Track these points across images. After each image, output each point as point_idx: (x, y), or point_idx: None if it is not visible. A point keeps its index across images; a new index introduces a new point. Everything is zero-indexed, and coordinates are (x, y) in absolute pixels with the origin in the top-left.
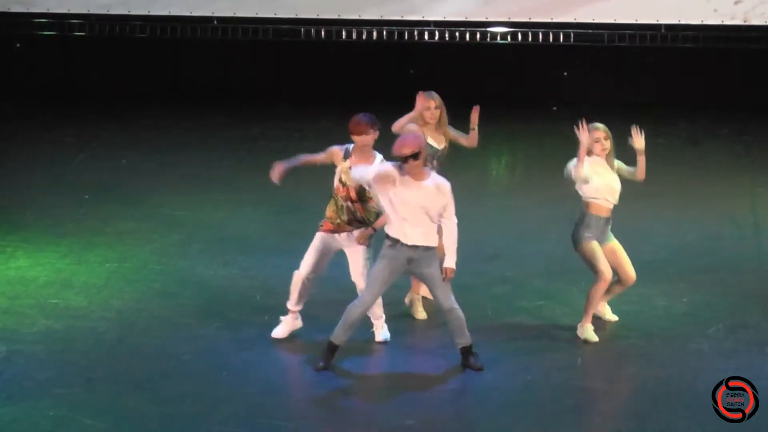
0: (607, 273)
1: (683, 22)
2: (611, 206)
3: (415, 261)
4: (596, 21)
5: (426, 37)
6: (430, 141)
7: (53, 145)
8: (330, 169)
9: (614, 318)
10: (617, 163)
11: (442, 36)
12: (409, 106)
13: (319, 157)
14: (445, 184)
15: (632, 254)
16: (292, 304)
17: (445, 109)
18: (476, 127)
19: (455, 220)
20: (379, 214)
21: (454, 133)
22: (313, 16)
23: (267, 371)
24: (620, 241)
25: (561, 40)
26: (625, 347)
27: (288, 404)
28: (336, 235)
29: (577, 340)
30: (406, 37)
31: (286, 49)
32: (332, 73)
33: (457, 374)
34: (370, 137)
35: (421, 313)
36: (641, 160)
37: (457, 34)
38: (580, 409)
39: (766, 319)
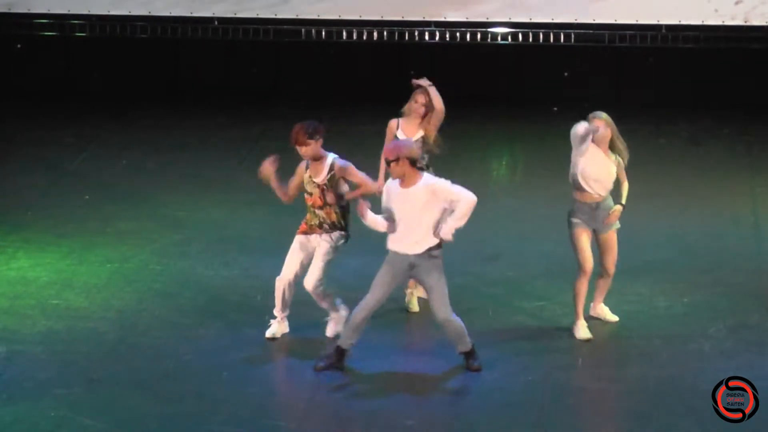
0: (584, 264)
1: (684, 22)
2: (600, 194)
3: (416, 267)
4: (597, 21)
5: (426, 37)
6: (400, 132)
7: (54, 145)
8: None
9: (614, 318)
10: (615, 157)
11: (442, 36)
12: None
13: (295, 182)
14: (437, 183)
15: (633, 254)
16: (278, 310)
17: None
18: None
19: (468, 196)
20: (345, 215)
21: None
22: (314, 16)
23: (267, 372)
24: (620, 241)
25: (562, 40)
26: (625, 347)
27: (288, 405)
28: (309, 236)
29: (576, 340)
30: (406, 37)
31: (287, 49)
32: (332, 74)
33: (457, 375)
34: (311, 147)
35: (414, 306)
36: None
37: (457, 34)
38: (580, 410)
39: (767, 319)
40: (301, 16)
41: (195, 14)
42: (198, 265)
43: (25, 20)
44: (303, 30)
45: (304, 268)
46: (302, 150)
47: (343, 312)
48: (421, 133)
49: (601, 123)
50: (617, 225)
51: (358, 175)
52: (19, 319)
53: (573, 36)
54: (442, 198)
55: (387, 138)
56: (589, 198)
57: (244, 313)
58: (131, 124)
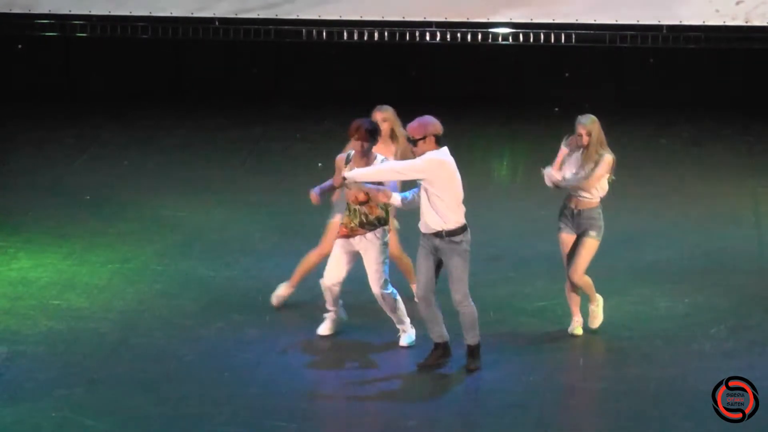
0: (565, 269)
1: (685, 22)
2: (583, 199)
3: (440, 250)
4: (598, 22)
5: (427, 38)
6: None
7: (55, 146)
8: (329, 169)
9: (578, 333)
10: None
11: (443, 37)
12: (411, 106)
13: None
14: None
15: (634, 255)
16: (329, 305)
17: (399, 125)
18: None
19: (393, 164)
20: (386, 207)
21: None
22: (314, 17)
23: (269, 372)
24: (621, 242)
25: (562, 41)
26: (626, 348)
27: (290, 405)
28: (351, 239)
29: (578, 340)
30: (407, 38)
31: (288, 50)
32: (334, 74)
33: (460, 375)
34: (369, 144)
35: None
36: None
37: (458, 35)
38: (581, 410)
39: None
40: (301, 17)
41: (196, 15)
42: (199, 265)
43: (26, 20)
44: (304, 30)
45: (345, 272)
46: (358, 146)
47: (408, 324)
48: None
49: (583, 130)
50: (596, 235)
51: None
52: (20, 319)
53: (574, 36)
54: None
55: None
56: (574, 202)
57: (246, 313)
58: (132, 125)
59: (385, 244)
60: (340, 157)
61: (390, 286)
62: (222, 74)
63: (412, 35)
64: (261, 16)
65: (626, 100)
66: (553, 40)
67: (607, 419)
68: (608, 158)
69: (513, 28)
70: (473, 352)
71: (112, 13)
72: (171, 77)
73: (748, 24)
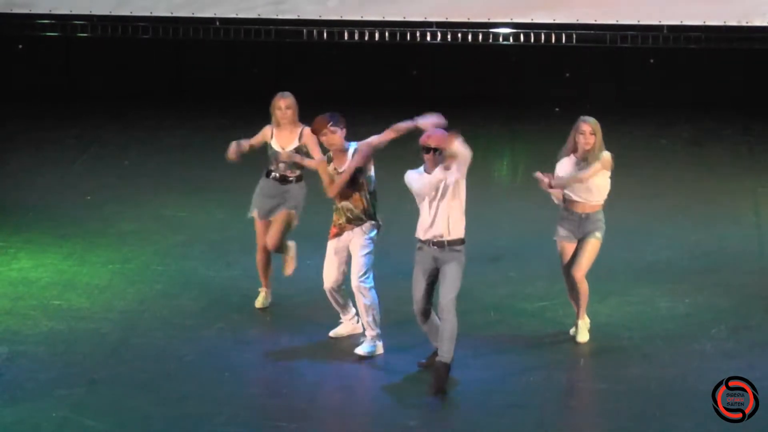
0: (563, 274)
1: (685, 23)
2: (586, 204)
3: (439, 260)
4: (598, 22)
5: (428, 38)
6: (274, 143)
7: (55, 146)
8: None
9: (584, 339)
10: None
11: (444, 37)
12: (412, 106)
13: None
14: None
15: (635, 255)
16: (341, 314)
17: (297, 110)
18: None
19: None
20: (374, 203)
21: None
22: (315, 17)
23: (269, 372)
24: (621, 242)
25: (563, 41)
26: (627, 348)
27: (290, 405)
28: (341, 237)
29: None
30: (408, 38)
31: (289, 50)
32: (334, 74)
33: (460, 375)
34: (336, 136)
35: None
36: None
37: (459, 35)
38: (582, 410)
39: None
40: (302, 17)
41: (196, 15)
42: (200, 266)
43: (27, 21)
44: (304, 30)
45: (344, 271)
46: (326, 139)
47: (353, 319)
48: (296, 144)
49: (587, 128)
50: (599, 236)
51: (373, 138)
52: (20, 319)
53: (574, 36)
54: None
55: (257, 139)
56: (578, 207)
57: (246, 314)
58: (132, 125)
59: (371, 239)
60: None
61: (370, 282)
62: (222, 74)
63: (413, 35)
64: (261, 16)
65: (626, 100)
66: (553, 40)
67: (607, 419)
68: (607, 154)
69: (513, 28)
70: (442, 371)
71: (113, 13)
72: (171, 77)
73: (749, 24)
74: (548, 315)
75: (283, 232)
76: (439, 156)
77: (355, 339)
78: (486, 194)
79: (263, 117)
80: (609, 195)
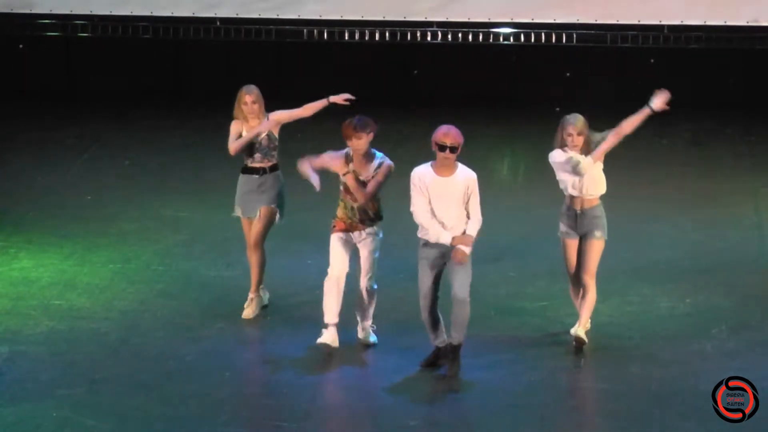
0: (568, 274)
1: (686, 22)
2: (586, 198)
3: (448, 254)
4: (599, 22)
5: (429, 38)
6: (245, 131)
7: (56, 145)
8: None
9: (582, 338)
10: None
11: (444, 37)
12: (412, 106)
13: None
14: (473, 176)
15: (635, 255)
16: (329, 317)
17: (263, 103)
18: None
19: (479, 218)
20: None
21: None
22: (316, 17)
23: (270, 372)
24: (621, 242)
25: (564, 41)
26: (628, 348)
27: (291, 405)
28: (351, 233)
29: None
30: (408, 38)
31: (289, 50)
32: (335, 74)
33: (460, 375)
34: (363, 141)
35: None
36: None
37: (459, 35)
38: (583, 410)
39: None
40: (303, 17)
41: (197, 15)
42: (200, 265)
43: (28, 20)
44: (305, 30)
45: (347, 265)
46: (354, 144)
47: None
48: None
49: (574, 130)
50: (602, 235)
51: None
52: (21, 319)
53: (575, 36)
54: (468, 190)
55: (231, 136)
56: (577, 203)
57: None
58: (133, 125)
59: (381, 241)
60: (336, 155)
61: (375, 283)
62: (223, 74)
63: (413, 35)
64: (262, 16)
65: (627, 100)
66: (553, 40)
67: (607, 419)
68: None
69: (514, 28)
70: (457, 352)
71: (113, 13)
72: (172, 77)
73: (749, 24)
74: (549, 314)
75: (265, 229)
76: (455, 153)
77: (346, 341)
78: (486, 194)
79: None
80: (608, 195)
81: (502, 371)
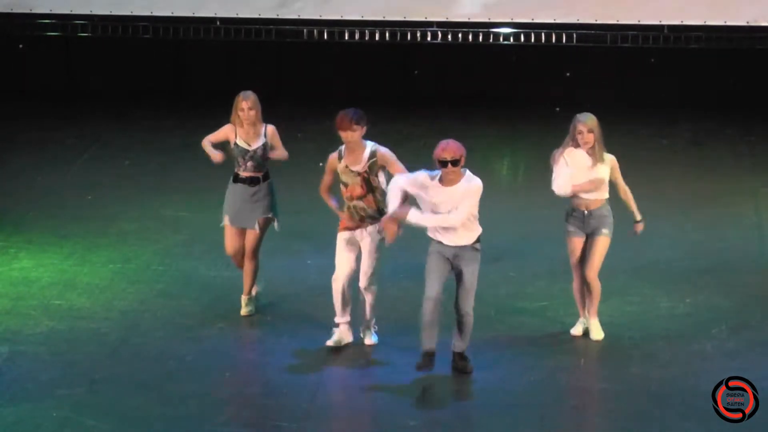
0: (573, 270)
1: (686, 22)
2: (591, 199)
3: (458, 257)
4: (599, 22)
5: (429, 38)
6: (241, 141)
7: (56, 145)
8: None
9: (599, 337)
10: (609, 158)
11: (445, 37)
12: (412, 106)
13: (328, 178)
14: (476, 184)
15: (635, 255)
16: (339, 316)
17: (260, 110)
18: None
19: (457, 217)
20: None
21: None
22: (316, 17)
23: (270, 372)
24: (621, 242)
25: (564, 41)
26: (628, 348)
27: (291, 405)
28: (354, 232)
29: (580, 340)
30: (408, 38)
31: (289, 49)
32: (335, 74)
33: (460, 375)
34: (357, 134)
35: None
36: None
37: (460, 35)
38: (583, 410)
39: None
40: (303, 17)
41: (197, 14)
42: (200, 265)
43: (28, 20)
44: (305, 30)
45: (354, 264)
46: (348, 135)
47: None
48: (262, 141)
49: (584, 127)
50: (608, 232)
51: (397, 166)
52: (21, 319)
53: (575, 36)
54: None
55: (218, 136)
56: (583, 204)
57: None
58: (133, 125)
59: (382, 240)
60: (333, 156)
61: (377, 283)
62: (223, 74)
63: (413, 35)
64: (262, 16)
65: (627, 100)
66: (553, 40)
67: (607, 419)
68: (614, 160)
69: (514, 28)
70: (464, 358)
71: (113, 13)
72: (172, 77)
73: (750, 24)
74: (549, 314)
75: (261, 239)
76: (457, 166)
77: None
78: (486, 194)
79: (264, 117)
80: (609, 195)
81: (500, 371)
